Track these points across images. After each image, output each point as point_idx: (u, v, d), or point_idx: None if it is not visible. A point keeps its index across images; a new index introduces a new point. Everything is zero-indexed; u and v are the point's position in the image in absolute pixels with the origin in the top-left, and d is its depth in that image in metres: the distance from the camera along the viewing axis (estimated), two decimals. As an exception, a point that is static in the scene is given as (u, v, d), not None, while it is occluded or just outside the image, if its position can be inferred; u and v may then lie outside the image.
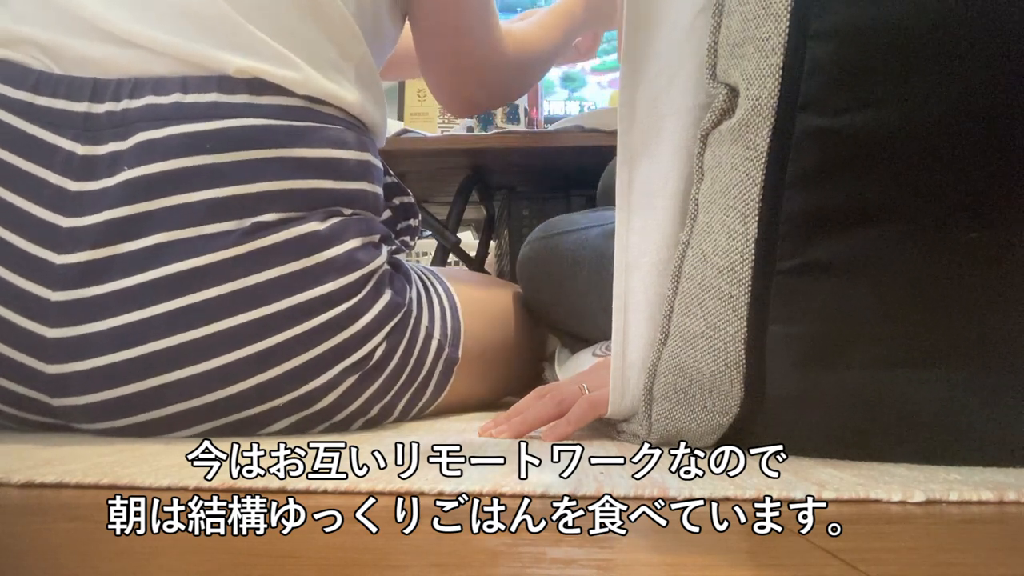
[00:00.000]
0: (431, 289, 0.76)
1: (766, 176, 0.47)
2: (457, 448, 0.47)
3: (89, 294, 0.58)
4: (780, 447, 0.54)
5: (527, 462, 0.48)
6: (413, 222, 0.80)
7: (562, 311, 0.88)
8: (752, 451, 0.55)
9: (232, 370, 0.60)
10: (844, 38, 0.44)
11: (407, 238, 0.81)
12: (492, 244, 1.60)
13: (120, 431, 0.62)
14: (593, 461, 0.49)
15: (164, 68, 0.61)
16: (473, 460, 0.49)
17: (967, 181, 0.45)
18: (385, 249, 0.69)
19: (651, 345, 0.56)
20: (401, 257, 0.76)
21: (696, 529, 0.34)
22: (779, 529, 0.34)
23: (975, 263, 0.46)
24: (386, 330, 0.67)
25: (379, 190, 0.71)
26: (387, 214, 0.77)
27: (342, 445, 0.47)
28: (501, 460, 0.48)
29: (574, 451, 0.53)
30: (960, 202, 0.45)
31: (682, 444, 0.57)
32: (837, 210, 0.46)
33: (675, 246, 0.54)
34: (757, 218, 0.48)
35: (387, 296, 0.67)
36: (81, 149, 0.60)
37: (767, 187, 0.47)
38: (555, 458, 0.50)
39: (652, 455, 0.48)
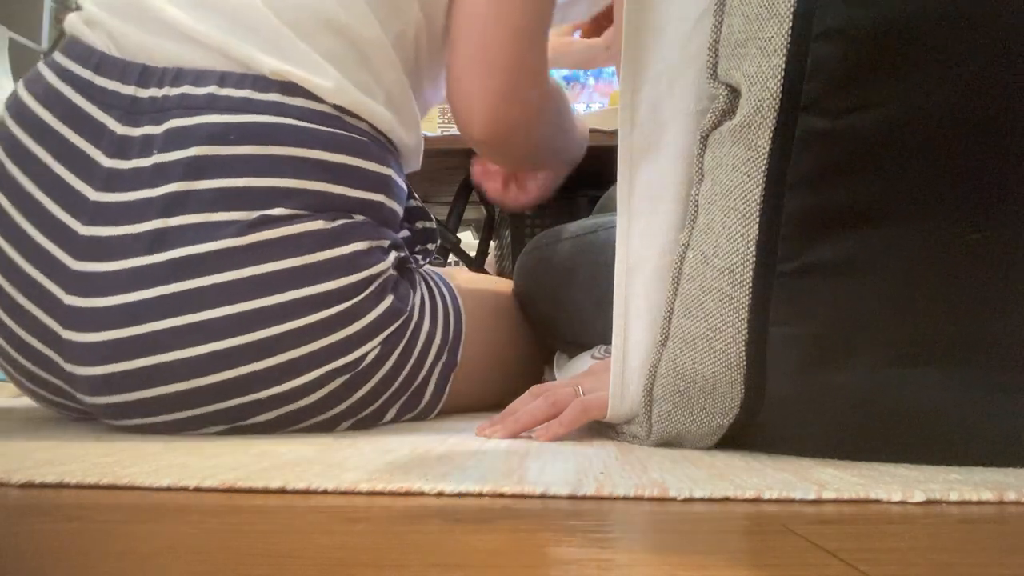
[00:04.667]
0: (435, 293, 0.76)
1: (767, 177, 0.47)
2: (457, 448, 0.47)
3: (102, 268, 0.61)
4: (780, 447, 0.54)
5: (527, 461, 0.48)
6: (431, 246, 0.80)
7: (560, 321, 0.88)
8: (752, 451, 0.55)
9: (219, 358, 0.61)
10: (847, 39, 0.44)
11: (420, 257, 0.81)
12: (492, 244, 1.60)
13: (115, 409, 0.63)
14: (593, 461, 0.49)
15: (207, 62, 0.64)
16: (473, 460, 0.49)
17: (968, 182, 0.45)
18: (393, 255, 0.69)
19: (651, 348, 0.56)
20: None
21: (696, 529, 0.34)
22: (779, 529, 0.34)
23: (976, 264, 0.46)
24: (382, 336, 0.67)
25: (397, 207, 0.71)
26: (406, 233, 0.77)
27: (342, 445, 0.47)
28: (501, 460, 0.48)
29: (574, 451, 0.53)
30: (961, 203, 0.45)
31: (682, 445, 0.57)
32: (838, 211, 0.46)
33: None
34: (758, 219, 0.48)
35: (388, 301, 0.67)
36: (120, 129, 0.63)
37: (768, 188, 0.47)
38: (555, 458, 0.50)
39: (652, 455, 0.48)
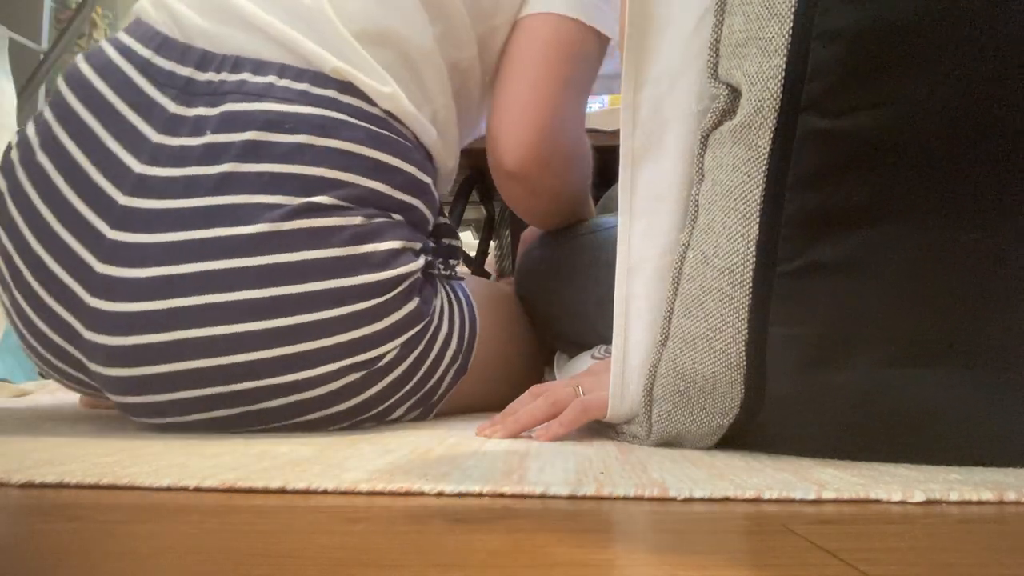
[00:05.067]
0: (453, 298, 0.76)
1: (767, 178, 0.47)
2: (457, 448, 0.47)
3: (138, 240, 0.62)
4: (780, 447, 0.54)
5: (527, 461, 0.48)
6: (452, 262, 0.81)
7: (560, 321, 0.88)
8: (752, 451, 0.55)
9: (243, 339, 0.62)
10: (848, 39, 0.44)
11: (442, 268, 0.82)
12: (492, 244, 1.60)
13: (127, 383, 0.63)
14: (593, 461, 0.49)
15: (269, 53, 0.67)
16: (473, 460, 0.49)
17: (968, 182, 0.45)
18: (422, 259, 0.70)
19: (651, 347, 0.56)
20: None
21: (696, 529, 0.34)
22: (779, 529, 0.34)
23: (976, 264, 0.46)
24: (403, 337, 0.67)
25: (429, 216, 0.73)
26: (432, 246, 0.78)
27: (342, 445, 0.47)
28: (501, 460, 0.48)
29: (574, 451, 0.53)
30: (961, 203, 0.45)
31: (682, 445, 0.57)
32: (839, 211, 0.46)
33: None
34: (758, 220, 0.48)
35: (414, 303, 0.68)
36: (173, 107, 0.65)
37: (768, 189, 0.47)
38: (555, 458, 0.50)
39: (652, 455, 0.48)
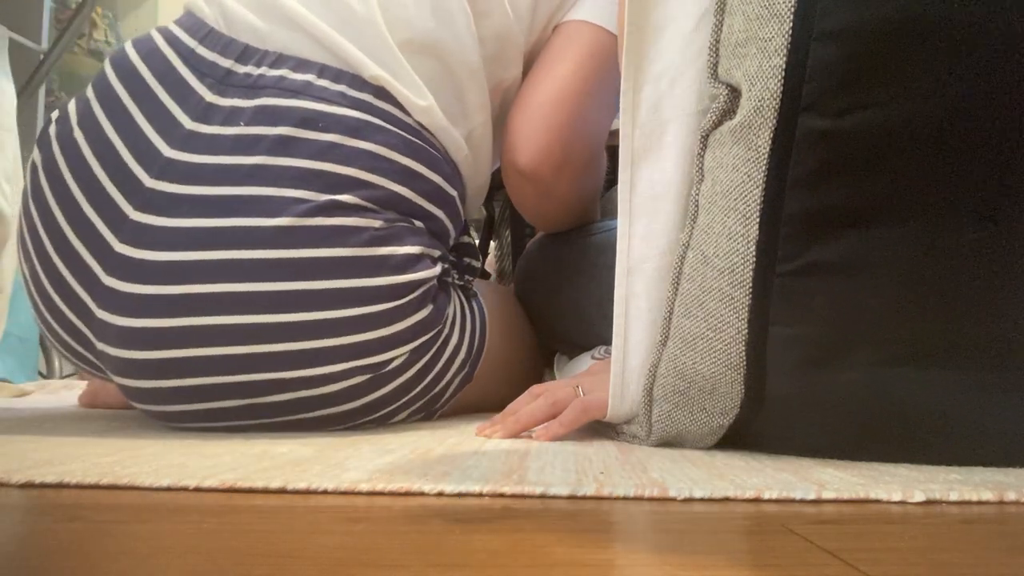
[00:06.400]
0: (466, 307, 0.76)
1: (767, 177, 0.47)
2: (457, 448, 0.47)
3: (159, 223, 0.62)
4: (780, 447, 0.54)
5: (527, 461, 0.48)
6: (468, 278, 0.82)
7: (560, 322, 0.88)
8: (752, 451, 0.55)
9: (254, 331, 0.62)
10: (848, 39, 0.44)
11: (456, 278, 0.82)
12: (492, 244, 1.59)
13: (135, 366, 0.63)
14: (593, 461, 0.49)
15: (310, 53, 0.68)
16: (473, 460, 0.49)
17: (969, 181, 0.45)
18: (440, 266, 0.70)
19: (651, 348, 0.56)
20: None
21: (696, 529, 0.34)
22: (779, 529, 0.34)
23: (976, 263, 0.46)
24: (414, 344, 0.67)
25: (451, 229, 0.74)
26: (453, 259, 0.78)
27: (342, 445, 0.47)
28: (501, 460, 0.48)
29: (574, 451, 0.53)
30: (962, 202, 0.45)
31: (682, 445, 0.57)
32: (839, 211, 0.46)
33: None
34: (758, 220, 0.48)
35: (427, 310, 0.68)
36: (209, 96, 0.66)
37: (768, 188, 0.47)
38: (555, 458, 0.50)
39: (652, 455, 0.48)
